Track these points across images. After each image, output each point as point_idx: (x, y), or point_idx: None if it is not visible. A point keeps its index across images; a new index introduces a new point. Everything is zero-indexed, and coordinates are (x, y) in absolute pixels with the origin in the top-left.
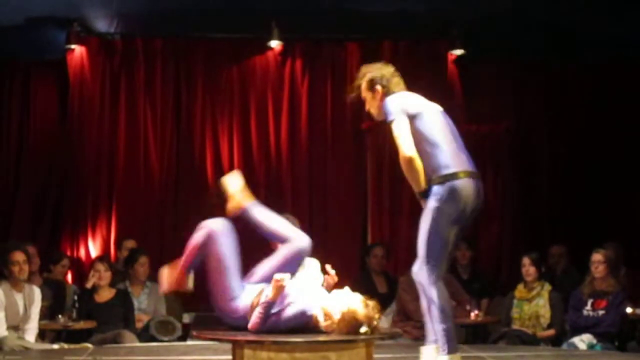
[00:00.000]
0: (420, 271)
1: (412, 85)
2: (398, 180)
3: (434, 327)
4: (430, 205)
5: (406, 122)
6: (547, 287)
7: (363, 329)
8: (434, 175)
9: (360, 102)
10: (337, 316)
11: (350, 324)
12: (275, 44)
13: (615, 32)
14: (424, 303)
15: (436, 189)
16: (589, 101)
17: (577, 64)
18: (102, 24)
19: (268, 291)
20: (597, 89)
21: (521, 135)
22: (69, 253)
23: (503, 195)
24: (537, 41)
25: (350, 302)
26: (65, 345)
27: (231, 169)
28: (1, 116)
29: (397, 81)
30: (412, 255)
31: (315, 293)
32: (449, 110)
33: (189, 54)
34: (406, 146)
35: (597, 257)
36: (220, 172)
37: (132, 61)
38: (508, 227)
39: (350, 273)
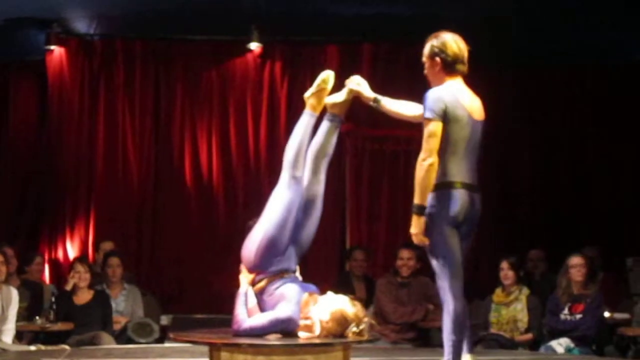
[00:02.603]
0: (438, 285)
1: (392, 86)
2: (376, 183)
3: (444, 335)
4: (426, 212)
5: (440, 126)
6: (526, 291)
7: (352, 329)
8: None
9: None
10: (326, 317)
11: (340, 324)
12: (255, 46)
13: (592, 36)
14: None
15: (431, 195)
16: (567, 106)
17: (554, 66)
18: (81, 25)
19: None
20: (575, 92)
21: (500, 139)
22: (46, 254)
23: (482, 198)
24: (515, 43)
25: (338, 302)
26: (43, 347)
27: (210, 171)
28: None
29: (459, 66)
30: (390, 259)
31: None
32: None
33: (168, 55)
34: (433, 152)
35: (574, 260)
36: (198, 174)
37: (111, 62)
38: (486, 230)
39: (329, 277)
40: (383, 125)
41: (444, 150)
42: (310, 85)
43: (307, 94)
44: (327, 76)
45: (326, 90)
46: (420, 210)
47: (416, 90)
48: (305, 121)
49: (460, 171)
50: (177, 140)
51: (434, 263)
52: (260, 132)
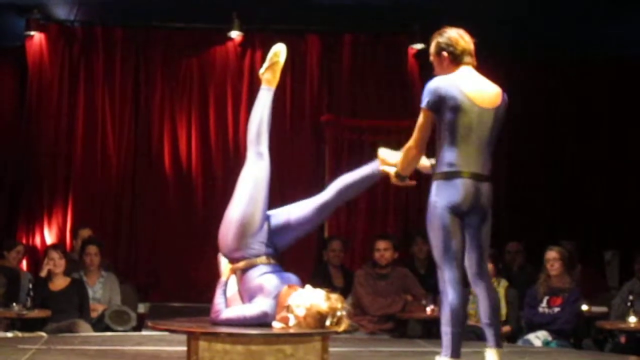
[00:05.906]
0: (438, 275)
1: (372, 76)
2: None
3: (442, 328)
4: (429, 201)
5: (431, 116)
6: (504, 283)
7: (328, 321)
8: (437, 170)
9: (320, 95)
10: (301, 313)
11: (315, 318)
12: (235, 34)
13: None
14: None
15: (434, 185)
16: (547, 100)
17: (534, 61)
18: (62, 11)
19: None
20: (554, 87)
21: None
22: (24, 241)
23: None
24: (498, 37)
25: (312, 297)
26: (20, 334)
27: (189, 159)
28: None
29: (468, 58)
30: (368, 250)
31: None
32: (406, 105)
33: (148, 43)
34: (414, 138)
35: (551, 254)
36: (177, 162)
37: (91, 49)
38: None
39: (307, 266)
40: (362, 115)
41: (448, 139)
42: (291, 74)
43: (261, 70)
44: (279, 50)
45: (279, 63)
46: (402, 178)
47: (395, 81)
48: (263, 96)
49: (466, 160)
50: (156, 128)
51: (435, 253)
52: (239, 121)
